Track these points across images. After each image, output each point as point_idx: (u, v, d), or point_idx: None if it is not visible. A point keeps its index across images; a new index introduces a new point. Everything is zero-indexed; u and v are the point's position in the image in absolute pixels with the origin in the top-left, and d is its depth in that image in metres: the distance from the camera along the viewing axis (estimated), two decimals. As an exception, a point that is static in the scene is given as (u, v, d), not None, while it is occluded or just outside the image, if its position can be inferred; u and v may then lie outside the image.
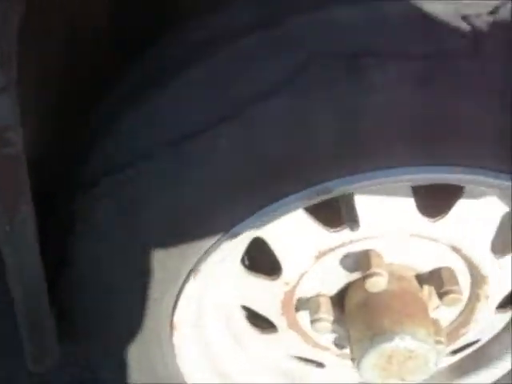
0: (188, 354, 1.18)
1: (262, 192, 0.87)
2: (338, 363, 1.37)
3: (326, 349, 1.34)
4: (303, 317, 1.24)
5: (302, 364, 1.41)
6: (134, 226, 0.92)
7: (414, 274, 1.17)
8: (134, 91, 0.87)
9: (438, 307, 1.22)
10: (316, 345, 1.33)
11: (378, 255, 1.11)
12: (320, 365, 1.40)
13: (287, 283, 1.17)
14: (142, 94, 0.85)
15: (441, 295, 1.14)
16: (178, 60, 0.83)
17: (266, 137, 0.80)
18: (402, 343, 1.08)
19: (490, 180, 0.90)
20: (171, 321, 1.08)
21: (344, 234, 1.08)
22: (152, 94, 0.84)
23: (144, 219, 0.91)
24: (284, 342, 1.32)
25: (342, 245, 1.11)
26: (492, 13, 0.74)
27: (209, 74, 0.81)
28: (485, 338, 1.38)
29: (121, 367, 1.16)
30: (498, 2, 0.74)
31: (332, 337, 1.31)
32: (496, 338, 1.38)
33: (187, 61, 0.83)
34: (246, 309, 1.31)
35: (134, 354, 1.14)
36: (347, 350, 1.25)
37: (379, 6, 0.75)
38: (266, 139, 0.80)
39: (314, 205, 1.01)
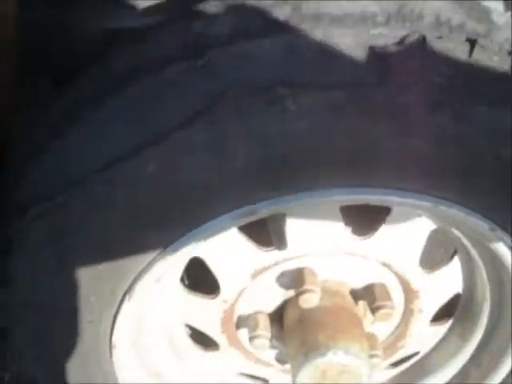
0: (129, 371, 1.19)
1: (189, 214, 0.90)
2: (281, 379, 1.39)
3: (269, 365, 1.37)
4: (243, 334, 1.26)
5: (248, 380, 1.43)
6: (66, 249, 0.93)
7: (348, 289, 1.21)
8: (61, 119, 0.89)
9: (374, 322, 1.25)
10: (258, 361, 1.35)
11: (312, 272, 1.15)
12: (265, 381, 1.42)
13: (225, 301, 1.19)
14: (70, 122, 0.87)
15: (373, 310, 1.18)
16: (105, 88, 0.86)
17: (190, 162, 0.83)
18: (334, 358, 1.10)
19: (411, 201, 0.93)
20: (110, 341, 1.09)
21: (278, 253, 1.12)
22: (79, 122, 0.86)
23: (75, 243, 0.93)
24: (227, 359, 1.34)
25: (277, 263, 1.14)
26: (398, 43, 0.78)
27: (134, 102, 0.84)
28: (424, 350, 1.42)
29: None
30: (404, 32, 0.79)
31: (274, 353, 1.34)
32: (435, 349, 1.42)
33: (113, 89, 0.85)
34: (190, 327, 1.33)
35: (74, 370, 1.15)
36: (289, 365, 1.28)
37: (293, 39, 0.78)
38: (189, 164, 0.83)
39: (249, 225, 1.04)
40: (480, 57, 0.80)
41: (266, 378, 1.41)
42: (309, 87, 0.77)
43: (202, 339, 1.35)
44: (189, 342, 1.34)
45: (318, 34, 0.79)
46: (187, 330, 1.34)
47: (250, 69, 0.79)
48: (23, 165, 0.93)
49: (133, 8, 0.92)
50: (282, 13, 0.80)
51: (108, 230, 0.91)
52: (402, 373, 1.46)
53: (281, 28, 0.79)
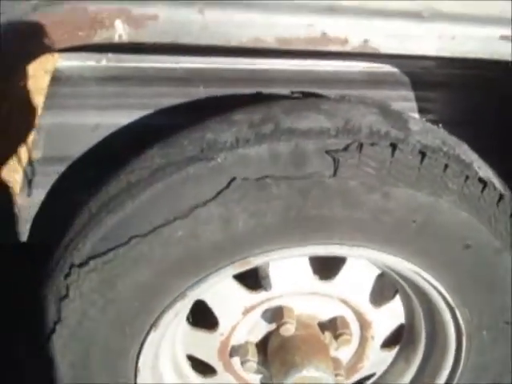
0: (148, 391, 1.51)
1: (203, 266, 1.26)
2: (265, 399, 1.73)
3: (256, 387, 1.71)
4: (236, 361, 1.61)
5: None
6: (112, 294, 1.28)
7: (316, 321, 1.57)
8: (112, 199, 1.25)
9: (337, 348, 1.61)
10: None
11: (289, 309, 1.51)
12: (251, 401, 1.75)
13: (222, 334, 1.54)
14: (120, 202, 1.22)
15: (336, 337, 1.54)
16: (144, 179, 1.22)
17: (205, 230, 1.20)
18: (308, 373, 1.45)
19: (355, 252, 1.31)
20: (136, 365, 1.42)
21: (263, 295, 1.48)
22: (127, 202, 1.21)
23: (119, 289, 1.27)
24: (222, 382, 1.67)
25: (262, 302, 1.49)
26: (345, 149, 1.17)
27: (165, 189, 1.20)
28: (379, 372, 1.77)
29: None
30: (348, 141, 1.18)
31: (259, 377, 1.68)
32: (387, 370, 1.77)
33: (151, 179, 1.21)
34: (190, 358, 1.67)
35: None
36: (272, 386, 1.62)
37: (275, 146, 1.16)
38: (205, 232, 1.20)
39: (242, 274, 1.41)
40: (399, 156, 1.20)
41: (253, 398, 1.74)
42: (287, 178, 1.16)
43: (202, 368, 1.69)
44: (190, 370, 1.67)
45: (292, 143, 1.18)
46: (189, 361, 1.68)
47: (247, 166, 1.17)
48: (81, 230, 1.28)
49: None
50: (267, 128, 1.20)
51: (144, 279, 1.26)
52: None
53: (267, 138, 1.18)
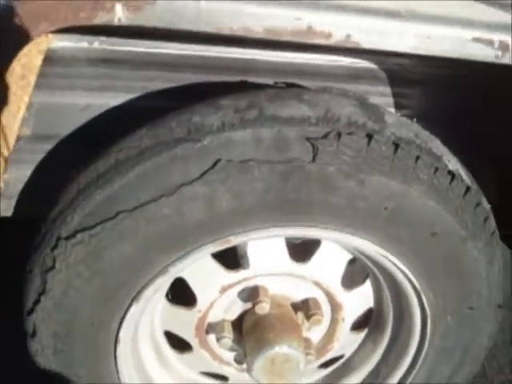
0: (126, 364, 1.57)
1: (186, 243, 1.33)
2: (237, 376, 1.80)
3: (229, 364, 1.77)
4: (212, 338, 1.68)
5: (210, 379, 1.84)
6: (97, 266, 1.33)
7: (290, 302, 1.64)
8: (102, 175, 1.30)
9: (309, 328, 1.69)
10: (222, 361, 1.76)
11: (265, 289, 1.58)
12: (225, 378, 1.82)
13: (200, 311, 1.60)
14: (109, 178, 1.27)
15: (308, 317, 1.62)
16: (132, 157, 1.28)
17: (190, 208, 1.26)
18: (280, 350, 1.53)
19: (328, 235, 1.39)
20: (116, 337, 1.48)
21: (240, 274, 1.55)
22: (116, 178, 1.27)
23: (104, 261, 1.33)
24: (198, 360, 1.74)
25: (239, 282, 1.57)
26: (324, 137, 1.24)
27: (154, 167, 1.26)
28: (347, 354, 1.85)
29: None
30: (327, 130, 1.25)
31: (233, 355, 1.75)
32: (355, 352, 1.85)
33: (139, 158, 1.27)
34: (167, 335, 1.73)
35: (85, 365, 1.52)
36: (244, 365, 1.69)
37: (259, 131, 1.24)
38: (189, 210, 1.26)
39: (221, 253, 1.48)
40: (374, 146, 1.27)
41: (226, 375, 1.81)
42: (269, 162, 1.23)
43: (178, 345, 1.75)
44: (167, 347, 1.74)
45: (274, 129, 1.25)
46: (165, 337, 1.74)
47: (231, 149, 1.24)
48: (69, 205, 1.33)
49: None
50: (251, 114, 1.26)
51: (128, 253, 1.32)
52: (332, 372, 1.88)
53: (251, 124, 1.25)
